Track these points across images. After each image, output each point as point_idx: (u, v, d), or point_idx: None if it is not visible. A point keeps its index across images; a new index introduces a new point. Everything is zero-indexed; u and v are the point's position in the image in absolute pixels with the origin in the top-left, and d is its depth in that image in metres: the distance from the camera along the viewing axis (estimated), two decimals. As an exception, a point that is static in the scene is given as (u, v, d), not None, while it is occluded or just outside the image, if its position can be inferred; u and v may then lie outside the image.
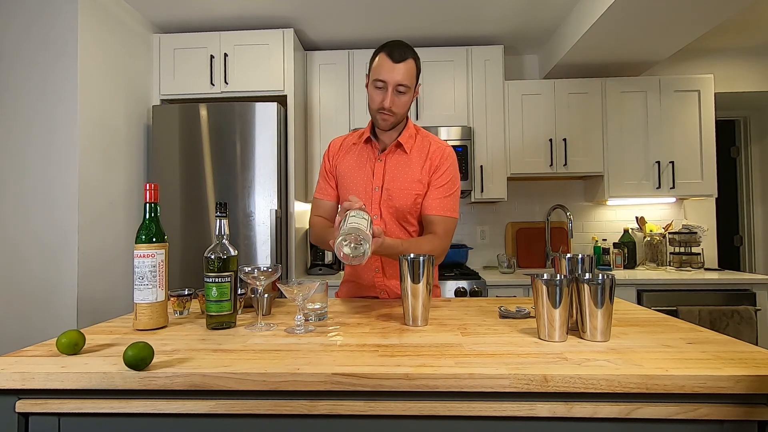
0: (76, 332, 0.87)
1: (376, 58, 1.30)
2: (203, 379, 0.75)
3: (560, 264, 1.09)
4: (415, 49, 2.62)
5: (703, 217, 3.13)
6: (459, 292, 2.42)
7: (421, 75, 1.39)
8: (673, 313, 2.36)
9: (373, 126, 1.42)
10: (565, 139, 2.80)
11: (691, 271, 2.70)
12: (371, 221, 1.10)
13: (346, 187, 1.39)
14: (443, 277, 2.48)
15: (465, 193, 2.88)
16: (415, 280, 1.05)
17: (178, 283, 2.36)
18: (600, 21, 2.23)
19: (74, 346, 0.86)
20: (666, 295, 2.41)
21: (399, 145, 1.37)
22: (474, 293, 2.42)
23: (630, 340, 0.93)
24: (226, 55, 2.58)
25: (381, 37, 2.86)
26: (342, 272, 2.89)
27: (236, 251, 1.10)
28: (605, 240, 3.05)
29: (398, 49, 1.26)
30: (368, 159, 1.39)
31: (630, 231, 2.98)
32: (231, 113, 2.45)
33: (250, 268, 1.07)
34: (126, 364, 0.77)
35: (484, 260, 3.15)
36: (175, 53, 2.61)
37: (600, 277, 0.92)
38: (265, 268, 1.08)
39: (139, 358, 0.76)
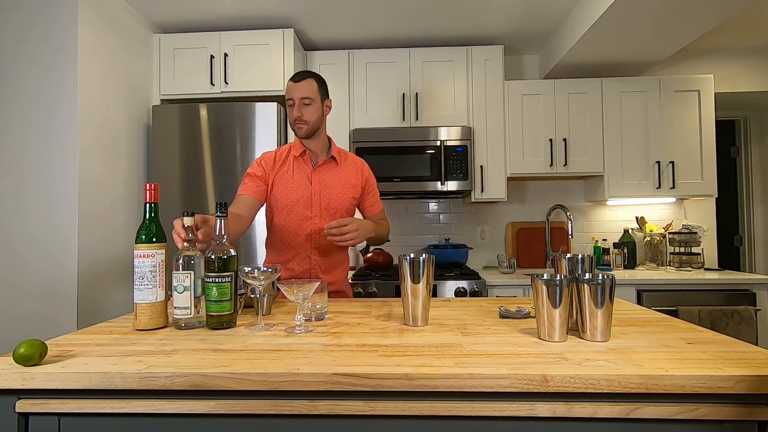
0: (33, 345, 0.80)
1: (287, 86, 1.59)
2: (203, 379, 0.75)
3: (560, 264, 1.09)
4: (415, 48, 2.72)
5: (703, 217, 3.13)
6: (459, 292, 2.42)
7: (329, 93, 1.67)
8: (673, 313, 2.36)
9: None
10: (565, 139, 2.80)
11: (691, 271, 2.70)
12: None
13: (287, 193, 1.60)
14: (443, 277, 2.48)
15: (465, 193, 2.88)
16: (415, 280, 1.05)
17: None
18: (600, 21, 2.23)
19: (28, 360, 0.79)
20: (666, 295, 2.41)
21: (332, 158, 1.65)
22: (474, 293, 2.42)
23: (630, 340, 0.93)
24: (226, 55, 2.58)
25: (381, 37, 2.86)
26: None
27: (236, 251, 1.11)
28: (605, 240, 3.05)
29: (299, 74, 1.58)
30: (304, 169, 1.63)
31: (630, 231, 2.98)
32: (231, 113, 2.45)
33: (250, 268, 1.07)
34: (15, 361, 0.79)
35: (484, 260, 3.15)
36: (175, 53, 2.61)
37: (600, 277, 0.92)
38: (265, 268, 1.08)
39: (27, 356, 0.78)
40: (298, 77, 1.57)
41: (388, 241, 2.95)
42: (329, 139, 1.70)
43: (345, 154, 1.71)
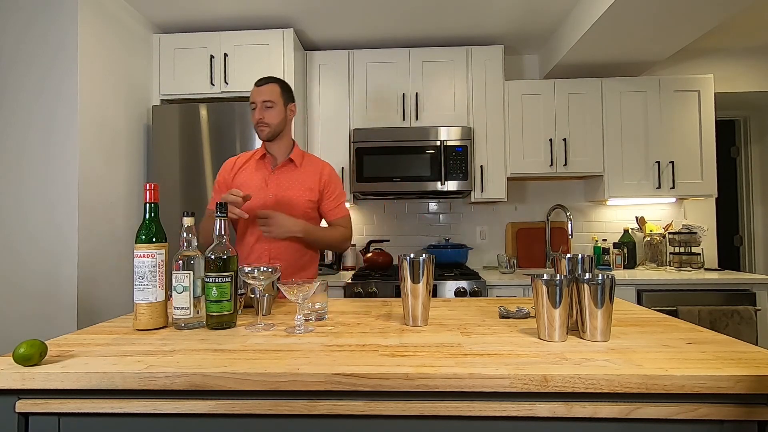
0: (33, 345, 0.81)
1: (251, 91, 1.62)
2: (203, 379, 0.75)
3: (560, 264, 1.09)
4: (415, 48, 2.70)
5: (703, 217, 3.13)
6: (459, 292, 2.42)
7: (293, 98, 1.69)
8: (673, 313, 2.36)
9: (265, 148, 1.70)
10: (565, 139, 2.80)
11: (691, 271, 2.70)
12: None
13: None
14: (443, 277, 2.48)
15: (465, 193, 2.88)
16: (415, 280, 1.05)
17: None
18: (600, 21, 2.23)
19: (28, 360, 0.79)
20: (666, 295, 2.41)
21: (291, 161, 1.65)
22: (474, 293, 2.42)
23: (630, 340, 0.93)
24: (226, 55, 2.58)
25: (381, 37, 2.86)
26: (342, 272, 2.89)
27: (236, 251, 1.11)
28: (605, 240, 3.05)
29: (263, 78, 1.62)
30: (263, 172, 1.65)
31: (630, 231, 2.98)
32: (231, 113, 2.45)
33: (250, 268, 1.07)
34: (15, 361, 0.79)
35: (484, 260, 3.15)
36: (175, 53, 2.61)
37: (600, 277, 0.92)
38: (265, 268, 1.08)
39: (27, 356, 0.79)
40: (262, 82, 1.62)
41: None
42: (294, 143, 1.72)
43: (308, 158, 1.72)
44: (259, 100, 1.59)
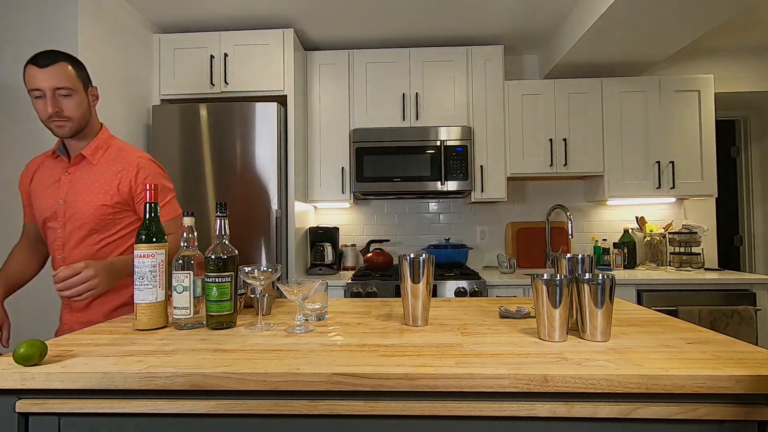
0: (33, 345, 0.81)
1: (26, 72, 1.24)
2: (203, 379, 0.75)
3: (560, 264, 1.09)
4: (415, 48, 2.67)
5: (703, 217, 3.13)
6: (459, 292, 2.42)
7: (92, 79, 1.36)
8: (673, 313, 2.36)
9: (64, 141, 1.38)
10: (565, 139, 2.80)
11: (691, 271, 2.70)
12: None
13: (36, 204, 1.36)
14: (443, 277, 2.48)
15: (465, 193, 2.88)
16: (415, 280, 1.05)
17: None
18: (600, 21, 2.23)
19: (28, 360, 0.80)
20: (666, 295, 2.41)
21: (84, 157, 1.36)
22: (474, 293, 2.42)
23: (630, 340, 0.93)
24: (226, 55, 2.58)
25: (381, 37, 2.86)
26: (342, 272, 2.89)
27: (236, 251, 1.11)
28: (605, 240, 3.05)
29: (44, 56, 1.23)
30: (58, 173, 1.36)
31: (630, 231, 2.98)
32: (231, 113, 2.45)
33: (250, 268, 1.07)
34: (15, 361, 0.79)
35: (484, 260, 3.15)
36: (175, 53, 2.61)
37: (600, 277, 0.92)
38: (265, 268, 1.08)
39: (27, 356, 0.79)
40: (45, 61, 1.22)
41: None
42: (98, 132, 1.39)
43: (113, 151, 1.38)
44: (47, 87, 1.22)
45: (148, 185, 1.11)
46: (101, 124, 1.41)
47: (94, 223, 1.33)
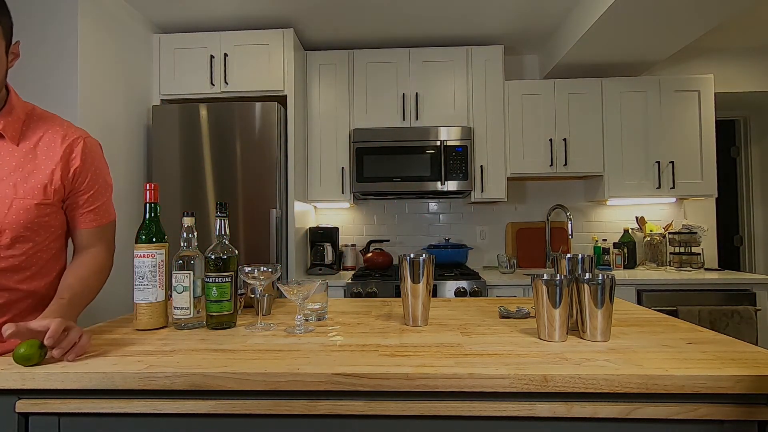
0: (33, 345, 0.80)
1: None
2: (203, 379, 0.75)
3: (560, 264, 1.09)
4: (415, 48, 2.65)
5: (703, 217, 3.13)
6: (459, 292, 2.42)
7: (13, 32, 1.01)
8: (673, 313, 2.36)
9: None
10: (565, 139, 2.80)
11: (691, 271, 2.70)
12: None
13: None
14: (443, 277, 2.48)
15: (465, 193, 2.88)
16: (415, 280, 1.05)
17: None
18: (600, 21, 2.23)
19: (28, 360, 0.79)
20: (666, 295, 2.41)
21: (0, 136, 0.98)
22: (474, 293, 2.42)
23: (630, 340, 0.93)
24: (226, 55, 2.58)
25: (381, 37, 2.86)
26: (342, 272, 2.89)
27: (236, 251, 1.11)
28: (605, 240, 3.05)
29: None
30: None
31: (630, 231, 2.98)
32: (231, 113, 2.45)
33: (250, 268, 1.07)
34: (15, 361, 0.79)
35: (484, 260, 3.15)
36: (175, 53, 2.61)
37: (600, 277, 0.92)
38: (265, 268, 1.08)
39: (27, 356, 0.79)
40: None
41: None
42: (11, 97, 1.01)
43: (38, 125, 1.02)
44: None
45: (148, 185, 1.11)
46: (9, 86, 1.02)
47: (22, 229, 0.96)
